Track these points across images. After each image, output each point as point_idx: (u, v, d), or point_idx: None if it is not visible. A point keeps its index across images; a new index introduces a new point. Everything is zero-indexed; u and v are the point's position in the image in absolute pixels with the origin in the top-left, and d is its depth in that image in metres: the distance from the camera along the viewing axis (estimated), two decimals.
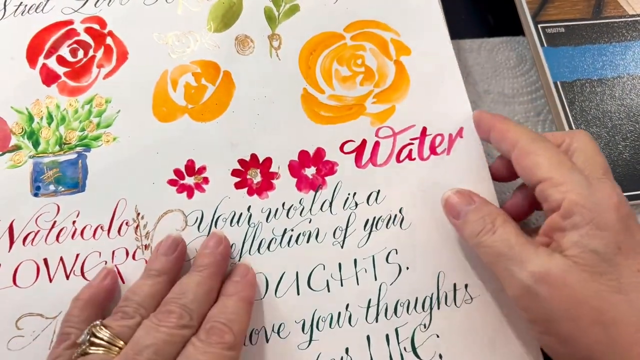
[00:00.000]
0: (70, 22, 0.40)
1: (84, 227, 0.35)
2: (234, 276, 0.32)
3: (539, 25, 0.46)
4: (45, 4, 0.40)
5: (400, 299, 0.33)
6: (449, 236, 0.35)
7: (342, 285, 0.34)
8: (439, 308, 0.33)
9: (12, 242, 0.34)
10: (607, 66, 0.44)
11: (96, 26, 0.40)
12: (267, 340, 0.32)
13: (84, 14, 0.40)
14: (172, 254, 0.32)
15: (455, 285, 0.34)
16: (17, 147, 0.37)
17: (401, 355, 0.32)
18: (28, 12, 0.40)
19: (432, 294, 0.34)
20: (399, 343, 0.33)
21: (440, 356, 0.32)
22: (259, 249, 0.34)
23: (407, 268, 0.34)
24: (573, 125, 0.41)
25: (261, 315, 0.33)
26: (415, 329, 0.33)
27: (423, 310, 0.33)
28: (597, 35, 0.46)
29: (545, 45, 0.45)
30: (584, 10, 0.47)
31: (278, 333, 0.33)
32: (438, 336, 0.33)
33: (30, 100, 0.38)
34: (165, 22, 0.40)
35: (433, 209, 0.35)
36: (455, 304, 0.33)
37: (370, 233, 0.35)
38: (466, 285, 0.34)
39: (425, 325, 0.33)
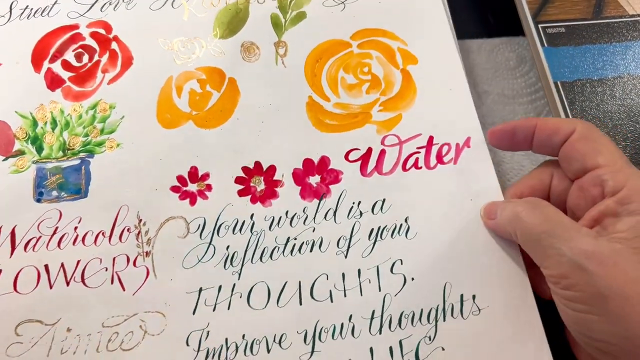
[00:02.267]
0: (76, 27, 0.40)
1: (86, 234, 0.34)
2: None
3: (539, 25, 0.46)
4: (51, 8, 0.40)
5: (405, 310, 0.33)
6: (456, 246, 0.34)
7: (345, 295, 0.33)
8: (444, 320, 0.32)
9: (13, 247, 0.34)
10: (607, 66, 0.44)
11: (102, 31, 0.40)
12: (269, 351, 0.32)
13: (89, 18, 0.40)
14: None
15: (462, 296, 0.33)
16: (21, 152, 0.36)
17: None
18: (34, 15, 0.40)
19: (438, 306, 0.33)
20: (402, 355, 0.32)
21: None
22: (261, 258, 0.34)
23: (412, 279, 0.33)
24: None
25: (262, 325, 0.32)
26: (419, 342, 0.32)
27: (428, 322, 0.32)
28: (597, 35, 0.46)
29: (546, 45, 0.45)
30: (584, 10, 0.47)
31: (280, 344, 0.32)
32: (443, 349, 0.32)
33: (35, 105, 0.38)
34: (171, 28, 0.40)
35: (440, 218, 0.35)
36: (462, 316, 0.33)
37: (374, 243, 0.34)
38: (474, 297, 0.33)
39: (430, 338, 0.32)
